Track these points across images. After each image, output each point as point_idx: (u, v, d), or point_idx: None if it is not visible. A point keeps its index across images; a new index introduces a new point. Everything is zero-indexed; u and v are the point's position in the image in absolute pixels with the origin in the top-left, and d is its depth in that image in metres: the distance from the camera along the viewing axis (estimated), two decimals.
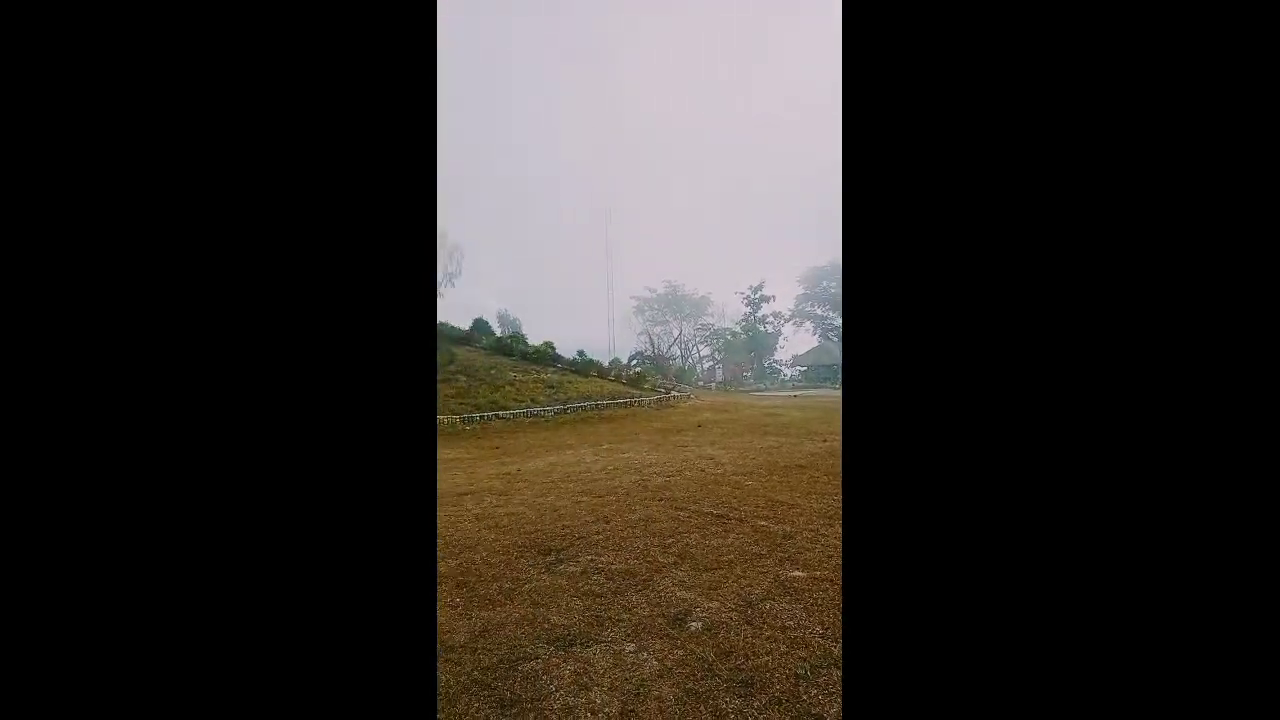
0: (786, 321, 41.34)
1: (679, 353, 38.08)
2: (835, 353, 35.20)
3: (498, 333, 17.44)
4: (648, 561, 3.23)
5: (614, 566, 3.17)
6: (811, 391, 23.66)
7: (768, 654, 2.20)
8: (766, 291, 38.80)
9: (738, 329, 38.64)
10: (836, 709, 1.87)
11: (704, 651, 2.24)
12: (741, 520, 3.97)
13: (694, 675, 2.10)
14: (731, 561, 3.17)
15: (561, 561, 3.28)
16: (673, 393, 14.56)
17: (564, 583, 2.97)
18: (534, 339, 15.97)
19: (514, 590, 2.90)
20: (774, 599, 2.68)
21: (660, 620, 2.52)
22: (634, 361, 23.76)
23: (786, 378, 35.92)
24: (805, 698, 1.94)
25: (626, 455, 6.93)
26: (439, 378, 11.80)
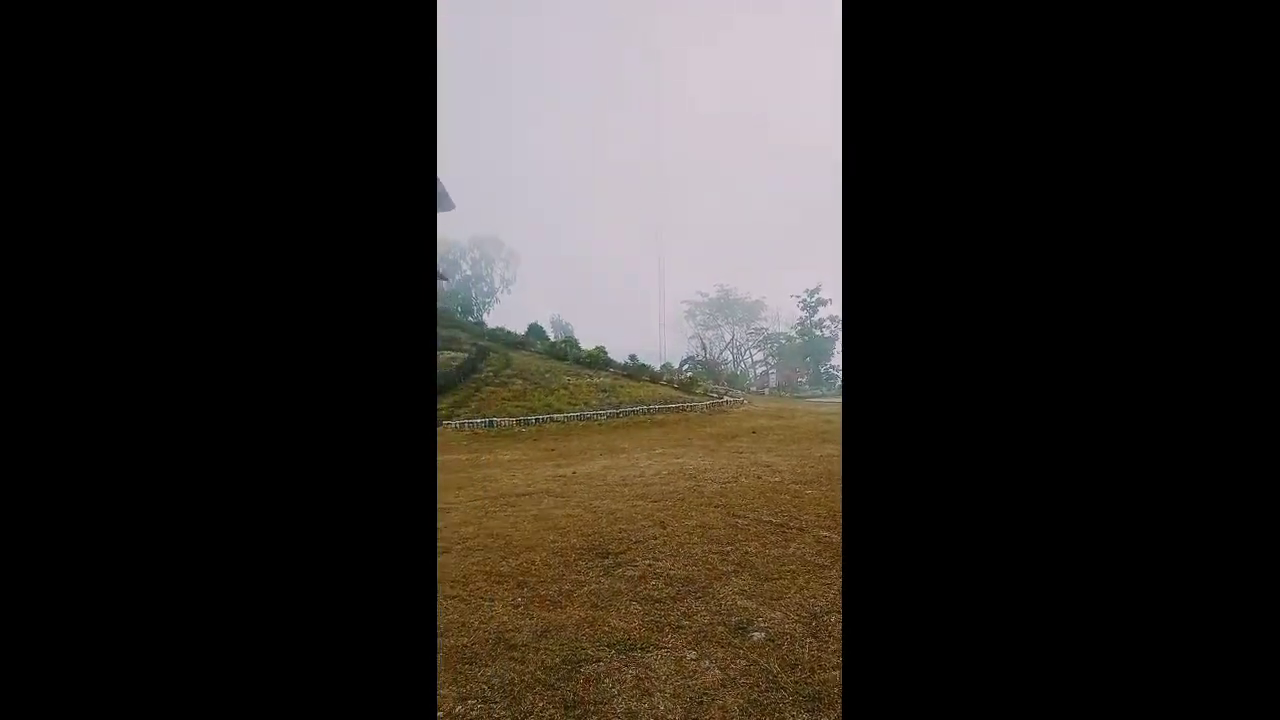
0: None
1: (731, 357, 37.66)
2: None
3: (551, 338, 17.78)
4: (707, 569, 3.19)
5: (673, 572, 3.15)
6: None
7: (835, 668, 2.13)
8: (824, 295, 37.88)
9: (793, 333, 37.86)
10: None
11: (768, 663, 2.19)
12: (802, 530, 3.86)
13: (758, 686, 2.05)
14: (794, 572, 3.09)
15: (619, 565, 3.29)
16: (725, 398, 14.41)
17: (623, 587, 2.97)
18: (586, 343, 16.19)
19: (573, 592, 2.93)
20: (839, 612, 2.59)
21: (721, 629, 2.48)
22: (685, 366, 23.69)
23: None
24: None
25: (680, 460, 6.90)
26: (496, 381, 12.14)
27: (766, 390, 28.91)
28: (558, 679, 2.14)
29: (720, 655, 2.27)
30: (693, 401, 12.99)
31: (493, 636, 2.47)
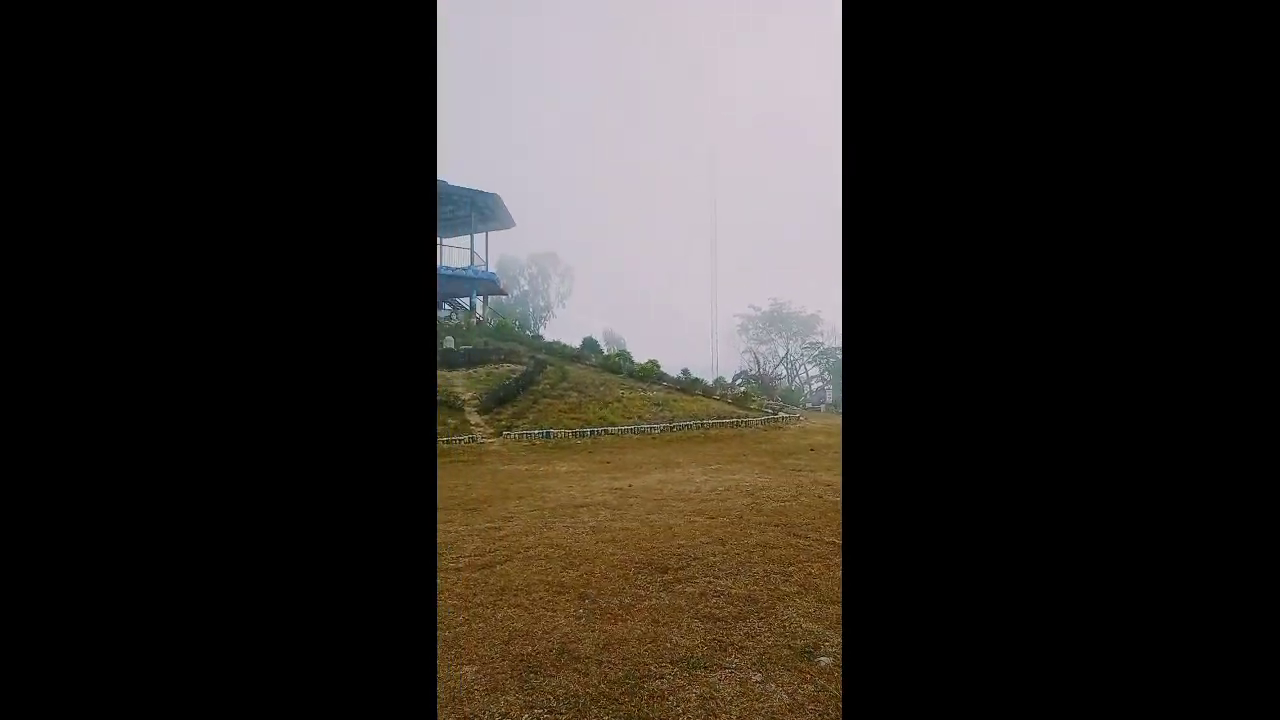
0: None
1: (785, 372, 36.91)
2: None
3: (605, 351, 17.99)
4: (769, 589, 3.12)
5: (734, 591, 3.10)
6: None
7: None
8: None
9: None
10: None
11: (836, 689, 2.12)
12: None
13: (828, 714, 1.98)
14: None
15: (679, 581, 3.27)
16: (780, 414, 14.12)
17: (683, 603, 2.95)
18: (638, 357, 16.28)
19: (634, 606, 2.93)
20: None
21: (786, 651, 2.42)
22: (739, 381, 23.39)
23: None
24: None
25: (736, 477, 6.80)
26: (554, 394, 12.37)
27: (823, 407, 28.11)
28: (622, 693, 2.14)
29: (787, 679, 2.21)
30: (747, 417, 12.80)
31: (556, 647, 2.50)
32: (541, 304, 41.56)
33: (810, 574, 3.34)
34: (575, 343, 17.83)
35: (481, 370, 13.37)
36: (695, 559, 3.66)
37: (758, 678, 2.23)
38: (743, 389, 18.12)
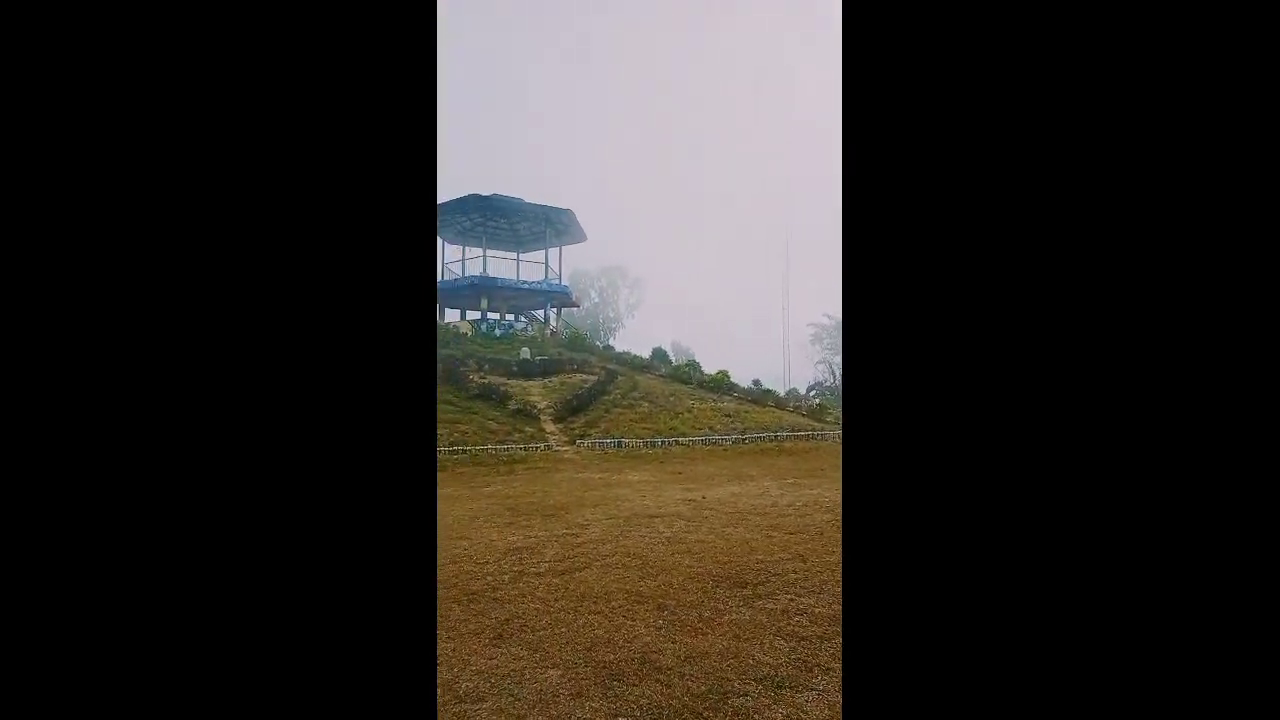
0: None
1: None
2: None
3: (673, 361, 18.02)
4: None
5: (818, 610, 2.99)
6: None
7: None
8: None
9: None
10: None
11: None
12: None
13: None
14: None
15: (760, 598, 3.20)
16: None
17: (765, 620, 2.89)
18: (707, 367, 16.17)
19: (714, 620, 2.90)
20: None
21: None
22: (813, 392, 22.69)
23: None
24: None
25: (814, 492, 6.58)
26: (624, 403, 12.52)
27: None
28: (705, 708, 2.12)
29: None
30: (823, 430, 12.38)
31: (637, 656, 2.52)
32: (611, 315, 42.26)
33: None
34: (644, 353, 17.97)
35: (556, 380, 13.75)
36: (775, 575, 3.57)
37: None
38: (817, 401, 17.55)
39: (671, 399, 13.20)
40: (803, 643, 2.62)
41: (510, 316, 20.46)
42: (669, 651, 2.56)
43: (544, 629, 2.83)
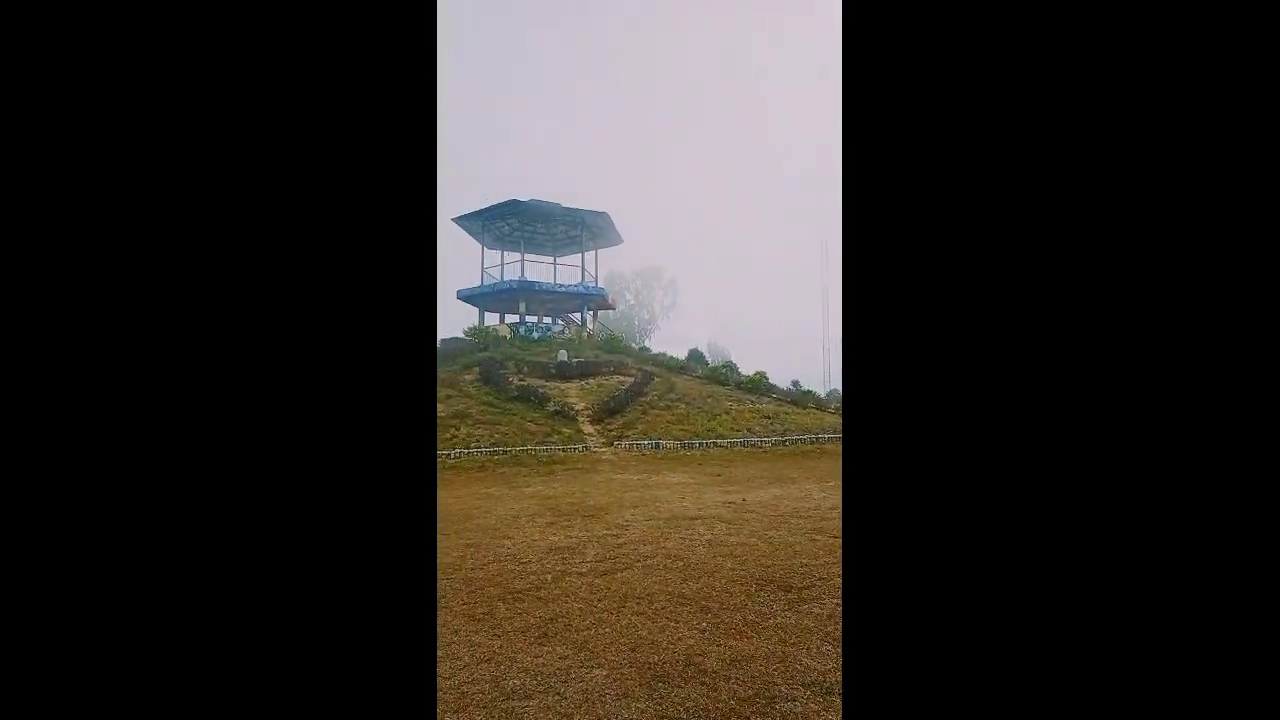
0: None
1: None
2: None
3: (710, 362, 17.89)
4: None
5: None
6: None
7: None
8: None
9: None
10: None
11: None
12: None
13: None
14: None
15: (805, 602, 3.14)
16: None
17: (811, 624, 2.83)
18: (744, 368, 16.00)
19: (759, 624, 2.86)
20: None
21: None
22: None
23: None
24: None
25: None
26: (661, 405, 12.51)
27: None
28: (753, 712, 2.09)
29: None
30: None
31: (682, 658, 2.50)
32: (646, 316, 42.32)
33: None
34: (680, 354, 17.92)
35: (593, 382, 13.85)
36: (820, 579, 3.50)
37: None
38: None
39: (709, 400, 13.11)
40: None
41: (548, 319, 20.73)
42: (713, 654, 2.53)
43: (588, 629, 2.84)
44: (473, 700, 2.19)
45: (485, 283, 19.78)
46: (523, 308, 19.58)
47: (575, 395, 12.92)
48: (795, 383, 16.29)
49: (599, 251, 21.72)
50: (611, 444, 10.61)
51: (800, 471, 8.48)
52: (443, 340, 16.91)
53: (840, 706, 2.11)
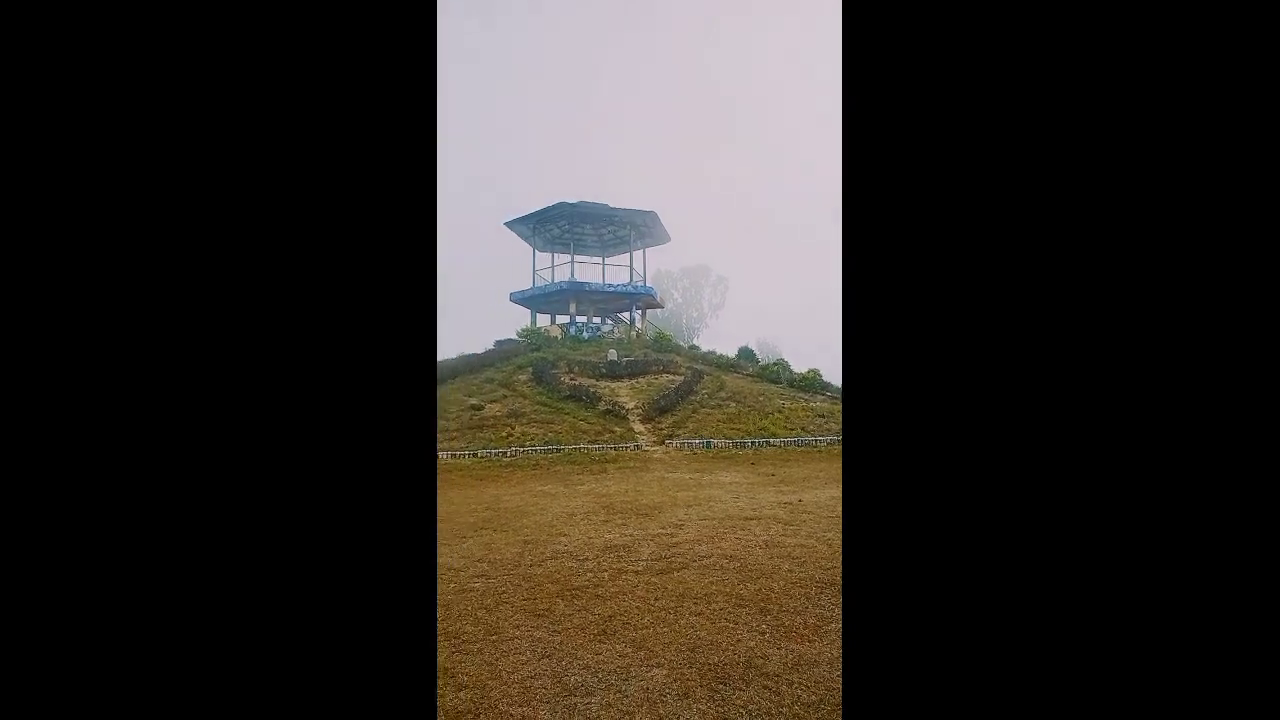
0: None
1: None
2: None
3: (760, 360, 17.61)
4: None
5: None
6: None
7: None
8: None
9: None
10: None
11: None
12: None
13: None
14: None
15: None
16: None
17: None
18: (797, 365, 15.66)
19: (821, 627, 2.79)
20: None
21: None
22: None
23: None
24: None
25: None
26: (712, 403, 12.41)
27: None
28: (819, 718, 2.04)
29: None
30: None
31: (743, 660, 2.47)
32: (695, 315, 42.08)
33: None
34: (729, 351, 17.71)
35: (643, 381, 13.88)
36: None
37: None
38: None
39: (761, 399, 12.91)
40: None
41: (597, 319, 20.94)
42: (775, 658, 2.49)
43: (646, 627, 2.85)
44: (536, 695, 2.23)
45: (536, 285, 20.18)
46: (573, 308, 19.85)
47: (625, 394, 13.00)
48: None
49: (646, 250, 21.77)
50: (662, 443, 10.61)
51: None
52: (497, 341, 17.37)
53: None
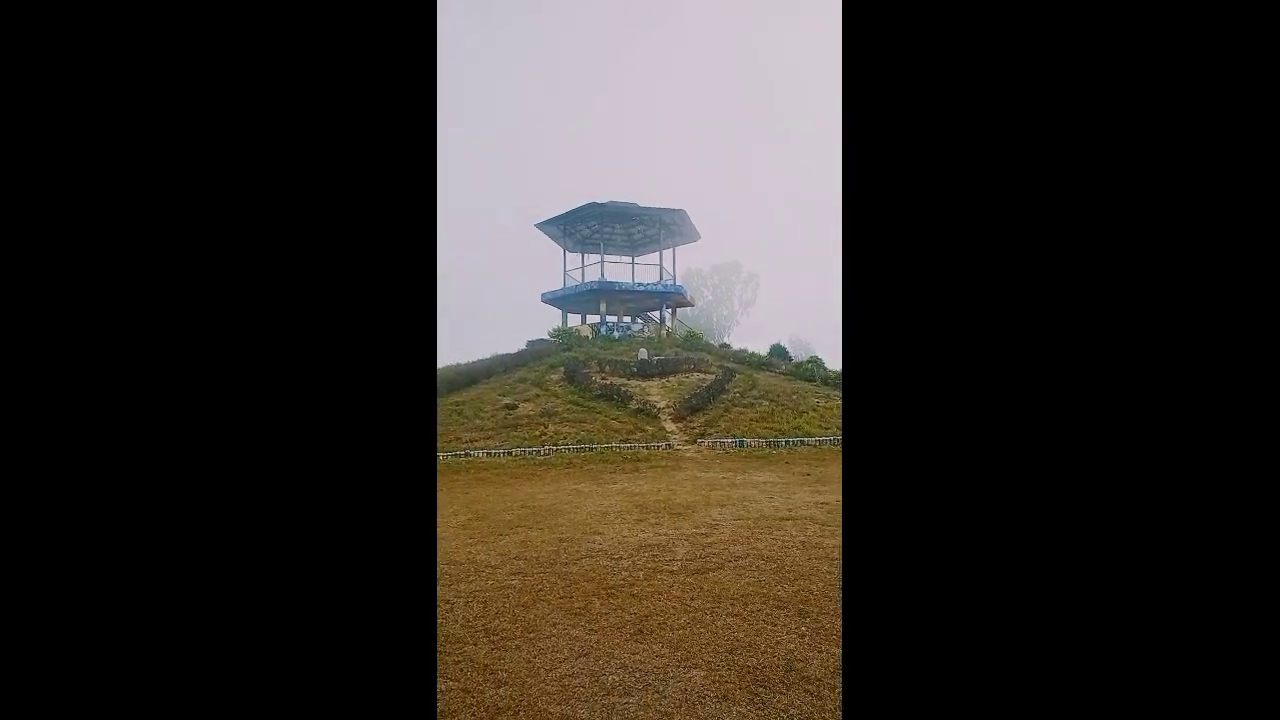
0: None
1: None
2: None
3: (792, 357, 17.34)
4: None
5: None
6: None
7: None
8: None
9: None
10: None
11: None
12: None
13: None
14: None
15: None
16: None
17: None
18: (831, 363, 15.35)
19: None
20: None
21: None
22: None
23: None
24: None
25: None
26: (744, 402, 12.28)
27: None
28: None
29: None
30: None
31: (782, 663, 2.43)
32: (725, 313, 41.77)
33: None
34: (761, 349, 17.51)
35: (673, 379, 13.84)
36: None
37: None
38: None
39: (794, 397, 12.72)
40: None
41: (628, 318, 20.97)
42: (815, 661, 2.44)
43: (683, 628, 2.83)
44: (574, 694, 2.24)
45: (567, 285, 20.32)
46: (603, 308, 19.92)
47: (657, 393, 12.98)
48: None
49: (676, 249, 21.68)
50: (694, 441, 10.56)
51: None
52: (529, 341, 17.56)
53: None
